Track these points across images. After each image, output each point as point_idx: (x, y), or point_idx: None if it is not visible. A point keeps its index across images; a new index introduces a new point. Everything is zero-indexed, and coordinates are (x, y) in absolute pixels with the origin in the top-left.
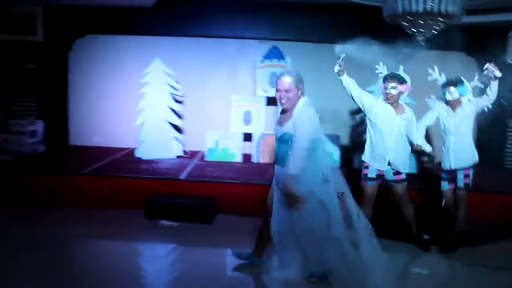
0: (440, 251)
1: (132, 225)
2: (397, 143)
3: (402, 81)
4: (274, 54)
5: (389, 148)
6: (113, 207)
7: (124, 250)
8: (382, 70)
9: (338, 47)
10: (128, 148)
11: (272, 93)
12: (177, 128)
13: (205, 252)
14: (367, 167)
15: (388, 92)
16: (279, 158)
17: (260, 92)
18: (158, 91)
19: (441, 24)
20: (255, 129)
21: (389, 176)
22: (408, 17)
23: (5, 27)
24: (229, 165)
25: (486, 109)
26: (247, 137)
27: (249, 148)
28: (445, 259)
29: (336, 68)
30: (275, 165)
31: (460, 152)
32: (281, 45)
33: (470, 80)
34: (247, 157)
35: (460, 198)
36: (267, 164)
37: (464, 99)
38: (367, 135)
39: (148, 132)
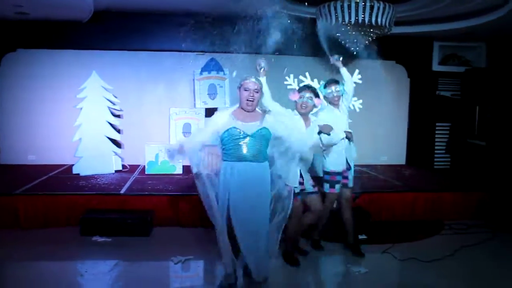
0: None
1: (69, 244)
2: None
3: (316, 94)
4: (212, 66)
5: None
6: (51, 226)
7: (64, 269)
8: (292, 82)
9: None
10: (66, 164)
11: (211, 104)
12: (116, 143)
13: (146, 265)
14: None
15: (304, 100)
16: (251, 154)
17: (199, 104)
18: (96, 106)
19: (372, 35)
20: None
21: (309, 188)
22: (341, 28)
23: None
24: (169, 178)
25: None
26: None
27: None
28: (381, 256)
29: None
30: (240, 162)
31: (349, 151)
32: (219, 57)
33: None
34: (187, 169)
35: (348, 198)
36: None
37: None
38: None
39: (86, 148)
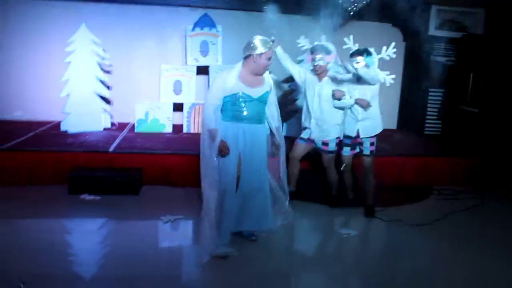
0: (364, 215)
1: (56, 201)
2: (322, 112)
3: (328, 52)
4: (205, 22)
5: (314, 116)
6: (37, 184)
7: (51, 227)
8: (305, 43)
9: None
10: (53, 121)
11: (203, 62)
12: (105, 99)
13: (134, 224)
14: (304, 129)
15: (316, 63)
16: (255, 117)
17: (191, 62)
18: (85, 61)
19: None
20: (186, 99)
21: (318, 144)
22: None
23: None
24: (159, 136)
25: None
26: (178, 107)
27: (180, 118)
28: (369, 219)
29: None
30: (242, 124)
31: (368, 121)
32: (213, 13)
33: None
34: (177, 128)
35: (367, 164)
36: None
37: (371, 70)
38: (303, 102)
39: (74, 104)
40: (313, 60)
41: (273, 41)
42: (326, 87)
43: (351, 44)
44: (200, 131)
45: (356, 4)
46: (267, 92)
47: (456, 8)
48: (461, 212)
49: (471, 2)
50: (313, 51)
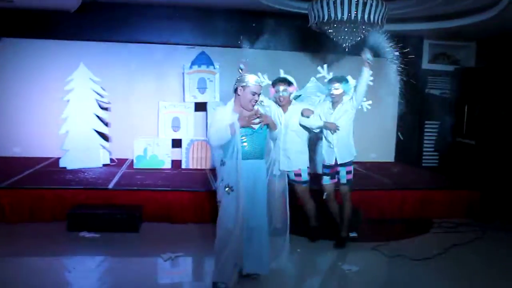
0: (334, 246)
1: (56, 239)
2: (286, 142)
3: (289, 83)
4: (203, 60)
5: (282, 147)
6: (37, 221)
7: (51, 265)
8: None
9: None
10: (52, 157)
11: (201, 99)
12: (104, 136)
13: (135, 262)
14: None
15: (280, 95)
16: (256, 151)
17: (189, 98)
18: (83, 98)
19: (364, 32)
20: (184, 135)
21: (291, 176)
22: (333, 24)
23: None
24: (158, 172)
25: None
26: (176, 143)
27: (179, 154)
28: (370, 254)
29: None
30: (244, 160)
31: (342, 147)
32: (210, 50)
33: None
34: (176, 164)
35: (344, 194)
36: (197, 170)
37: (346, 98)
38: None
39: (73, 141)
40: (277, 92)
41: (241, 69)
42: (293, 115)
43: (324, 73)
44: (198, 166)
45: (350, 40)
46: (266, 125)
47: (447, 42)
48: (463, 245)
49: (462, 36)
50: (274, 83)
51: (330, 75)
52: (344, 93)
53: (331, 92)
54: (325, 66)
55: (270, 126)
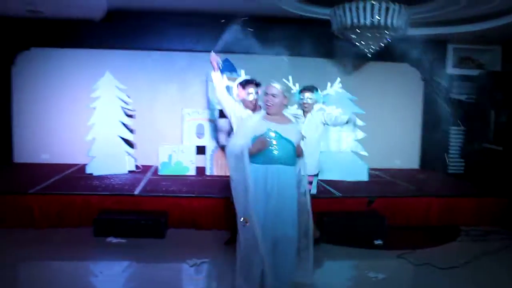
0: None
1: (83, 244)
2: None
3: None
4: (226, 67)
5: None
6: (65, 226)
7: (78, 270)
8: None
9: None
10: (79, 164)
11: None
12: (129, 143)
13: (160, 268)
14: None
15: (304, 101)
16: (286, 157)
17: (213, 106)
18: (109, 106)
19: (387, 37)
20: (208, 142)
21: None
22: (356, 30)
23: None
24: (183, 179)
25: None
26: (200, 150)
27: (203, 161)
28: (397, 262)
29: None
30: (272, 165)
31: (307, 158)
32: (233, 57)
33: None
34: (201, 170)
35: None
36: (222, 177)
37: (316, 107)
38: None
39: (99, 148)
40: (248, 94)
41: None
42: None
43: (290, 84)
44: (222, 173)
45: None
46: (298, 131)
47: (472, 46)
48: (491, 254)
49: (487, 40)
50: (245, 86)
51: (297, 86)
52: (315, 101)
53: (304, 101)
54: (290, 77)
55: (297, 151)
